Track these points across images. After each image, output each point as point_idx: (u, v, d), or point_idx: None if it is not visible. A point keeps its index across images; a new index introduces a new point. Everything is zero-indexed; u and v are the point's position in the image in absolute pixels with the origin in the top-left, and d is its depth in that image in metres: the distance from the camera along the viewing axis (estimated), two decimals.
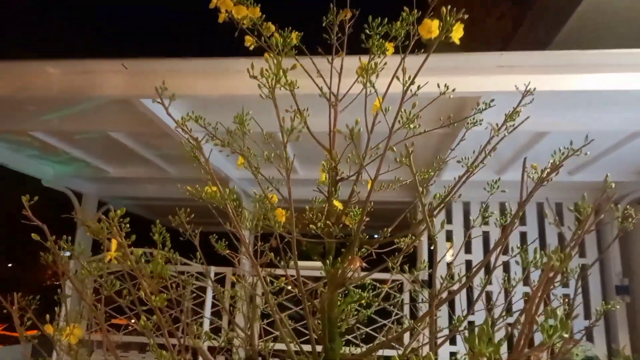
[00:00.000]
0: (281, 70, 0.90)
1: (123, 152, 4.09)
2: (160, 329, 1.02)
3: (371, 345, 1.17)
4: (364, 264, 1.06)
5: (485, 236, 5.12)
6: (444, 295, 1.37)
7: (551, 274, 0.78)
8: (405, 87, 0.93)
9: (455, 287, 1.24)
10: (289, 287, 1.16)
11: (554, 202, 4.96)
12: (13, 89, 2.80)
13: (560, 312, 0.60)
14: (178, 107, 3.14)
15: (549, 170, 0.97)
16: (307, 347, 1.14)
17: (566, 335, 0.56)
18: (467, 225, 5.08)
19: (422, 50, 1.08)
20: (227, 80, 2.54)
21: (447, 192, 1.21)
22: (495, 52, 2.27)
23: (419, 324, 0.94)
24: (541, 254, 0.93)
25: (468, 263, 4.96)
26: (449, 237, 5.08)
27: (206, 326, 4.22)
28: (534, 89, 1.19)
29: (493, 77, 2.40)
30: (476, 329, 0.60)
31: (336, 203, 1.14)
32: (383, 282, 1.67)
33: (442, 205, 1.12)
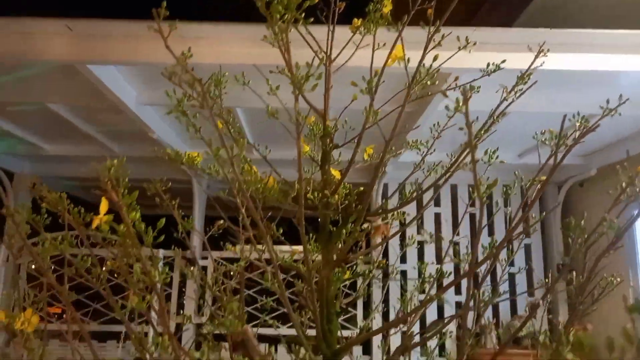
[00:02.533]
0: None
1: (62, 127, 3.76)
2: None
3: (361, 329, 1.09)
4: (390, 233, 0.98)
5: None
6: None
7: None
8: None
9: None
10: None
11: (502, 184, 5.10)
12: None
13: None
14: (132, 75, 2.91)
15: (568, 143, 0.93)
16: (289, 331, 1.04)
17: None
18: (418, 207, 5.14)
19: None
20: (191, 47, 2.35)
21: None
22: (467, 27, 2.24)
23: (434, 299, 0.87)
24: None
25: (420, 244, 5.05)
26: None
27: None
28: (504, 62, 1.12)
29: (463, 54, 2.36)
30: None
31: (334, 172, 1.04)
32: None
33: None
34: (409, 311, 1.13)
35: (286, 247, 1.27)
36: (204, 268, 4.46)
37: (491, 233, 4.72)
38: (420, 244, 5.04)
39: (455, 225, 5.26)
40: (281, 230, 1.02)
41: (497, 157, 1.14)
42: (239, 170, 0.76)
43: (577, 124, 0.90)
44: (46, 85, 3.00)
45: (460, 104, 0.91)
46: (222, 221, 1.02)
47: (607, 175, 4.37)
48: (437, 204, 5.29)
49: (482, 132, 1.03)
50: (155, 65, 2.56)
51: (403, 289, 4.27)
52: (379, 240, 1.01)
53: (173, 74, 1.16)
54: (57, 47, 2.38)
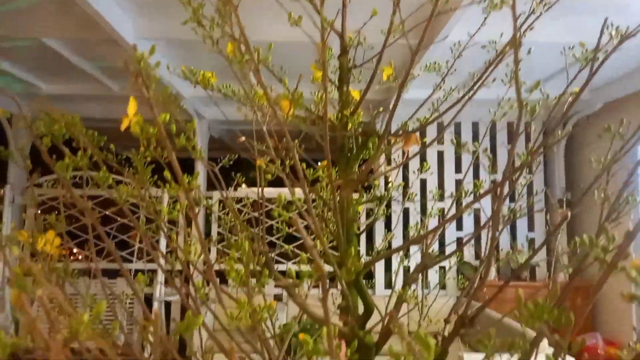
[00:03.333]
0: None
1: (59, 64, 3.67)
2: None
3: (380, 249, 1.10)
4: (419, 144, 0.96)
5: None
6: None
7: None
8: None
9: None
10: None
11: (505, 122, 5.09)
12: None
13: None
14: (130, 7, 2.80)
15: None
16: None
17: None
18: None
19: None
20: None
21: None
22: None
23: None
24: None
25: (423, 182, 5.07)
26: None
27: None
28: None
29: None
30: None
31: (353, 92, 1.01)
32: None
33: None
34: (423, 232, 1.13)
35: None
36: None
37: (494, 171, 4.74)
38: (423, 182, 5.07)
39: (459, 163, 5.28)
40: (303, 147, 1.01)
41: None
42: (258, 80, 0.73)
43: (613, 33, 0.86)
44: (40, 19, 2.89)
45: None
46: (242, 138, 1.00)
47: (613, 110, 4.32)
48: (440, 141, 5.28)
49: (507, 48, 0.99)
50: None
51: (416, 211, 4.35)
52: (409, 150, 1.00)
53: None
54: None
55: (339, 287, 0.91)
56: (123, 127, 0.60)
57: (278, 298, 4.70)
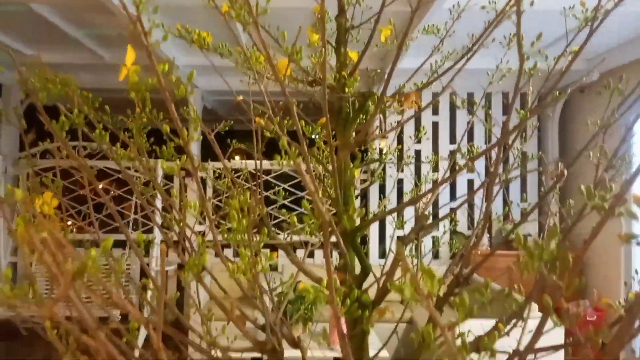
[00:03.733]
0: None
1: (49, 32, 3.59)
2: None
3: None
4: (420, 102, 0.96)
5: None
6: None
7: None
8: None
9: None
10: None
11: (501, 92, 5.07)
12: None
13: None
14: None
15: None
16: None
17: None
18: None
19: None
20: None
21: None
22: None
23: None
24: None
25: (417, 153, 5.09)
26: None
27: None
28: None
29: None
30: None
31: (351, 54, 1.00)
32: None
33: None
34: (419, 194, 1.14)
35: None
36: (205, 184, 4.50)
37: (489, 140, 4.76)
38: (418, 153, 5.08)
39: (453, 134, 5.29)
40: (301, 106, 1.00)
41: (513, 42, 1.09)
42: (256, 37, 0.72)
43: None
44: None
45: None
46: (240, 97, 0.99)
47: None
48: (435, 112, 5.27)
49: (508, 7, 0.97)
50: None
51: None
52: (408, 112, 1.00)
53: None
54: None
55: (335, 252, 0.91)
56: (121, 77, 0.59)
57: (273, 268, 4.76)
